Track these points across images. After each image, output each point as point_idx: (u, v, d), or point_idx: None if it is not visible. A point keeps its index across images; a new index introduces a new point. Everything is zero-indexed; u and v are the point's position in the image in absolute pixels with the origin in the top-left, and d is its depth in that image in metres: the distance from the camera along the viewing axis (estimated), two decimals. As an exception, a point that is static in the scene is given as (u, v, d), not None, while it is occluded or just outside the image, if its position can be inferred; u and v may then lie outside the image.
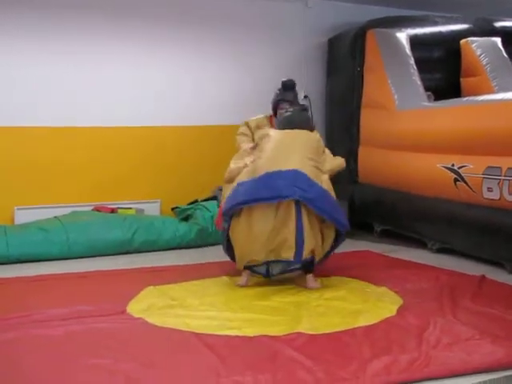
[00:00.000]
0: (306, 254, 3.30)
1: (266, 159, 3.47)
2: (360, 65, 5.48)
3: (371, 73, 5.36)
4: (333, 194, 3.54)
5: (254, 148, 3.72)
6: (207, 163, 5.51)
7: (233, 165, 3.69)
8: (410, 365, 2.15)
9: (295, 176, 3.34)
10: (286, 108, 3.94)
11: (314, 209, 3.32)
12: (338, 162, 3.79)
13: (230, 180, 3.61)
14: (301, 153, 3.51)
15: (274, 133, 3.69)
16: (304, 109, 3.99)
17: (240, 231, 3.39)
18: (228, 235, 3.47)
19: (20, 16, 4.94)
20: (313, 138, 3.69)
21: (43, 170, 5.00)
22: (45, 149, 5.03)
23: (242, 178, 3.49)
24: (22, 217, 4.84)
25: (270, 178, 3.34)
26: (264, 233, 3.29)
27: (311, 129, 3.77)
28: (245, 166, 3.56)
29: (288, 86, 4.17)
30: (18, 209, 4.90)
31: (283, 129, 3.71)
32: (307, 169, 3.43)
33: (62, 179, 5.07)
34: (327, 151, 3.81)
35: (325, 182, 3.52)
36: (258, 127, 4.10)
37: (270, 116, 4.27)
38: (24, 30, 4.95)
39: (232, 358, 2.29)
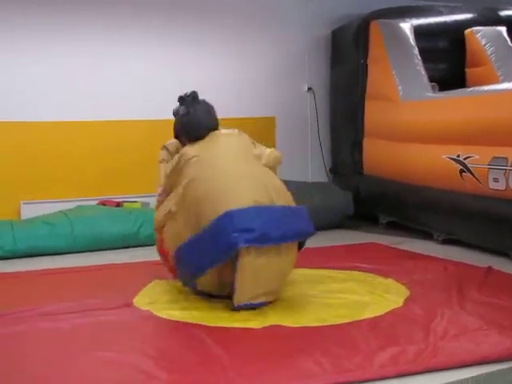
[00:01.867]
0: None
1: (211, 197, 2.73)
2: (364, 56, 5.46)
3: (375, 64, 5.34)
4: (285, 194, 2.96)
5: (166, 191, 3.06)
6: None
7: (157, 214, 3.08)
8: (418, 356, 2.15)
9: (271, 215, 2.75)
10: (177, 110, 3.20)
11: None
12: (274, 156, 3.14)
13: (160, 228, 3.05)
14: (248, 167, 2.94)
15: (196, 151, 2.94)
16: (197, 102, 3.22)
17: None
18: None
19: (24, 12, 4.95)
20: (244, 137, 3.11)
21: (49, 164, 5.01)
22: (50, 143, 5.04)
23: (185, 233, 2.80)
24: (28, 211, 4.85)
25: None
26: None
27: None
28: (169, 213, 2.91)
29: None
30: (23, 203, 4.91)
31: (194, 138, 3.05)
32: (264, 179, 2.91)
33: (68, 173, 5.09)
34: (257, 144, 3.15)
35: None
36: (178, 151, 3.15)
37: None
38: (28, 28, 4.97)
39: (238, 349, 2.30)
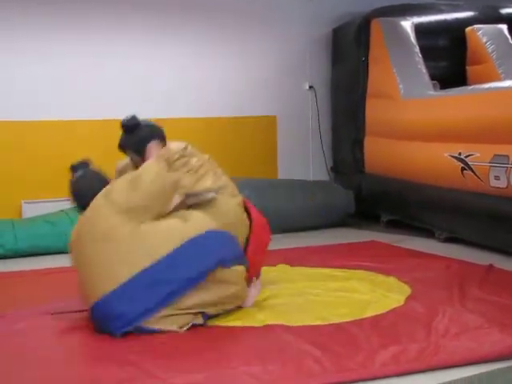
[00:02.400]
0: None
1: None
2: (365, 54, 5.45)
3: (376, 62, 5.34)
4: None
5: None
6: (212, 155, 5.50)
7: None
8: (419, 354, 2.15)
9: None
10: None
11: None
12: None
13: None
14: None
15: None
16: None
17: None
18: None
19: (24, 12, 4.95)
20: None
21: (49, 163, 5.00)
22: (51, 142, 5.04)
23: None
24: (29, 210, 4.85)
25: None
26: None
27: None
28: None
29: (127, 128, 3.02)
30: (24, 202, 4.91)
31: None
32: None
33: (69, 172, 5.07)
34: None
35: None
36: (121, 173, 3.01)
37: None
38: (28, 27, 4.97)
39: (240, 347, 2.30)
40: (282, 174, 5.91)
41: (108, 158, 5.13)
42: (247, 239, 2.96)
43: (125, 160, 3.10)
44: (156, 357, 2.22)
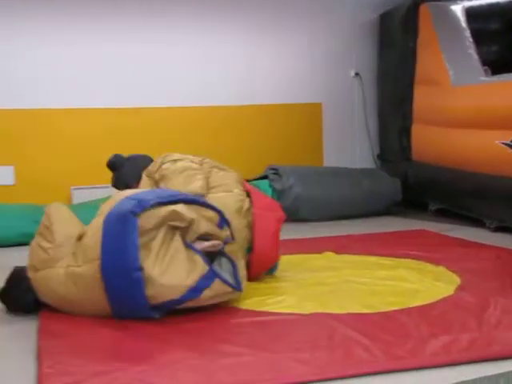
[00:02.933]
0: None
1: None
2: (413, 40, 5.35)
3: (425, 48, 5.22)
4: None
5: None
6: (257, 142, 5.52)
7: None
8: (471, 344, 2.10)
9: None
10: None
11: None
12: None
13: None
14: None
15: None
16: None
17: None
18: None
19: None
20: None
21: (98, 150, 5.07)
22: (99, 129, 5.12)
23: None
24: (79, 197, 4.95)
25: None
26: None
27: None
28: None
29: (110, 167, 3.34)
30: (74, 189, 5.01)
31: None
32: None
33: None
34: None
35: None
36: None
37: None
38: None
39: (287, 334, 2.30)
40: (327, 162, 5.87)
41: (156, 143, 5.22)
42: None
43: None
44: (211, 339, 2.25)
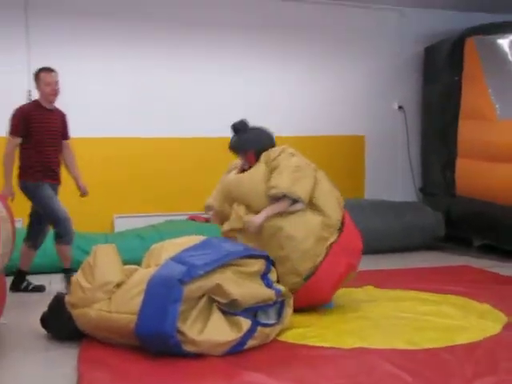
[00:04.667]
0: None
1: None
2: (458, 73, 5.30)
3: (470, 81, 5.17)
4: None
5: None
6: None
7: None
8: (518, 386, 2.03)
9: None
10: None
11: None
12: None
13: None
14: None
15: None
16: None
17: None
18: None
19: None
20: None
21: (141, 179, 5.15)
22: (143, 159, 5.18)
23: None
24: (121, 225, 5.01)
25: None
26: None
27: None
28: None
29: (233, 130, 3.37)
30: (117, 217, 5.08)
31: None
32: None
33: (159, 189, 5.20)
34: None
35: None
36: (230, 171, 3.46)
37: None
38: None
39: (328, 369, 2.25)
40: (368, 194, 5.82)
41: (198, 175, 5.27)
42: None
43: (236, 161, 3.44)
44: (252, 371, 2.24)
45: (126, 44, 5.17)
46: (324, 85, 5.70)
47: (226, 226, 3.18)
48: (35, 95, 4.63)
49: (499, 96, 4.84)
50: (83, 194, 3.86)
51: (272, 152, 3.20)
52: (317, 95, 5.67)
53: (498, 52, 5.08)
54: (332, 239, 3.05)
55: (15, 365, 2.42)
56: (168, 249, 2.71)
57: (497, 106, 4.80)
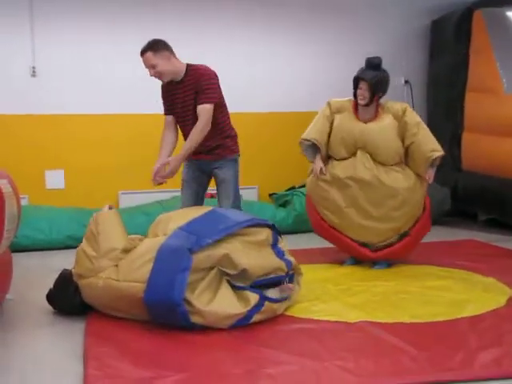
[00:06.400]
0: None
1: None
2: (465, 47, 5.24)
3: (478, 55, 5.11)
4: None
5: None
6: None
7: None
8: (524, 358, 2.03)
9: None
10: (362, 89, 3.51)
11: None
12: None
13: None
14: None
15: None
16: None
17: None
18: None
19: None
20: None
21: (145, 155, 5.12)
22: (148, 135, 5.16)
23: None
24: (126, 201, 5.02)
25: None
26: None
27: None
28: None
29: (370, 64, 3.56)
30: (122, 193, 5.09)
31: None
32: None
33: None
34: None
35: None
36: (339, 111, 3.66)
37: (354, 101, 3.65)
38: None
39: (333, 343, 2.27)
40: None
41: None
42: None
43: (341, 100, 3.73)
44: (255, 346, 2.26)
45: (130, 20, 5.12)
46: (329, 61, 5.64)
47: (342, 173, 3.43)
48: (39, 71, 4.64)
49: (507, 70, 4.78)
50: None
51: (396, 105, 3.55)
52: (318, 71, 5.61)
53: (506, 25, 5.01)
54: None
55: (21, 340, 2.45)
56: (175, 219, 2.70)
57: (504, 79, 4.74)
